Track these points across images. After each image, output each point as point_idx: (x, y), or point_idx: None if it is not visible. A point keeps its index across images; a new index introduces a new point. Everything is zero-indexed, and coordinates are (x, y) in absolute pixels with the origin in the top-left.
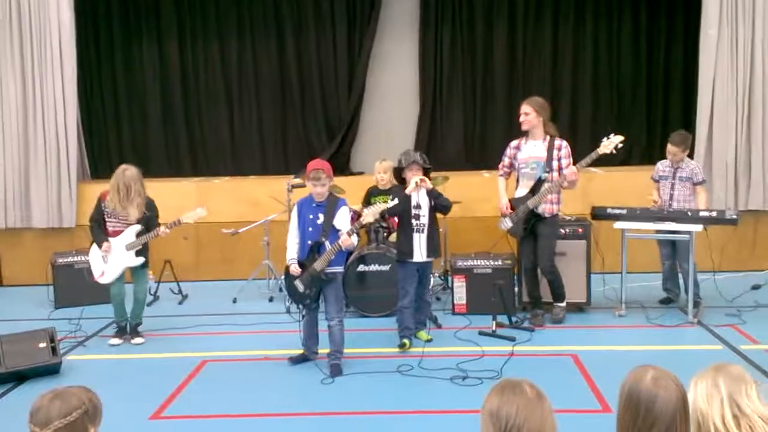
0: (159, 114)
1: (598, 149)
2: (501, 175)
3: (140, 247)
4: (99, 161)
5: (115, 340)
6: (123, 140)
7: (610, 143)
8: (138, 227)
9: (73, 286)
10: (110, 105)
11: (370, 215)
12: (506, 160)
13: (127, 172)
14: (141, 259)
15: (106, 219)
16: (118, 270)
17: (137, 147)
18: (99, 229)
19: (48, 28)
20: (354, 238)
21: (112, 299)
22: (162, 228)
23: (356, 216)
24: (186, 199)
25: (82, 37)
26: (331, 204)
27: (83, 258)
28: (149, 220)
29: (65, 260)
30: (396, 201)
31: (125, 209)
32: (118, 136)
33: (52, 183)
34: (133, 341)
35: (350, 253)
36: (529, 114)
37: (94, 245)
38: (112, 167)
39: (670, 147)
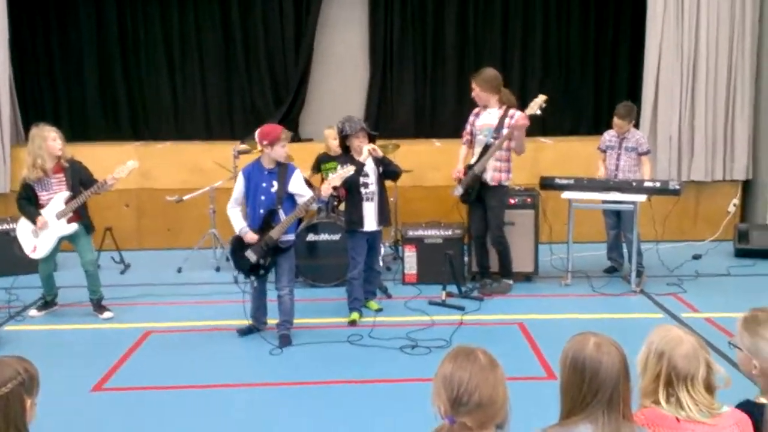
0: (96, 75)
1: (525, 110)
2: (464, 143)
3: (71, 213)
4: (34, 124)
5: (34, 312)
6: (59, 103)
7: (535, 104)
8: (66, 194)
9: (9, 255)
10: (44, 66)
11: (337, 179)
12: (468, 128)
13: (46, 125)
14: (73, 226)
15: (38, 193)
16: (51, 242)
17: (74, 109)
18: (29, 204)
19: None
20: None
21: (39, 274)
22: (94, 187)
23: (308, 184)
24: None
25: None
26: (283, 170)
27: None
28: (81, 183)
29: (0, 227)
30: (353, 169)
31: (45, 171)
32: (53, 98)
33: None
34: (101, 316)
35: (300, 222)
36: (474, 89)
37: (21, 220)
38: None
39: (616, 120)
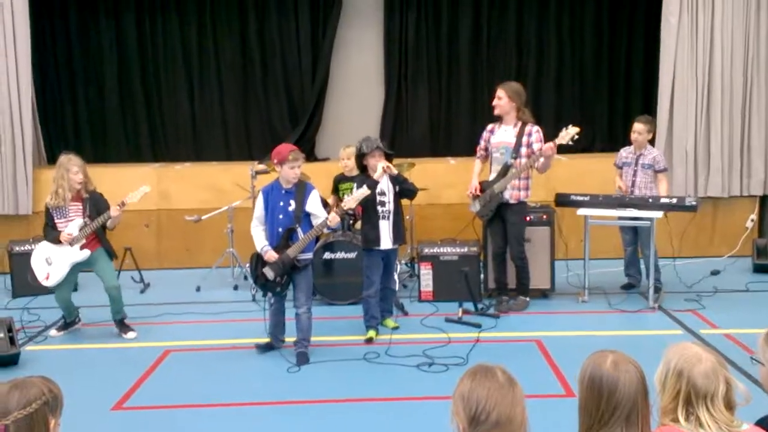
0: (117, 98)
1: (555, 140)
2: (477, 158)
3: (83, 240)
4: (56, 147)
5: (54, 332)
6: (80, 125)
7: (567, 134)
8: (80, 222)
9: (31, 275)
10: (66, 90)
11: (352, 201)
12: (482, 144)
13: (74, 157)
14: (86, 253)
15: (55, 220)
16: (64, 269)
17: (95, 132)
18: (51, 229)
19: (0, 7)
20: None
21: (57, 302)
22: (107, 213)
23: (324, 204)
24: (146, 185)
25: (36, 17)
26: (301, 189)
27: None
28: (98, 214)
29: (22, 248)
30: (368, 191)
31: (65, 200)
32: (74, 121)
33: (7, 169)
34: (125, 336)
35: (316, 241)
36: (502, 99)
37: (37, 249)
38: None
39: (636, 125)
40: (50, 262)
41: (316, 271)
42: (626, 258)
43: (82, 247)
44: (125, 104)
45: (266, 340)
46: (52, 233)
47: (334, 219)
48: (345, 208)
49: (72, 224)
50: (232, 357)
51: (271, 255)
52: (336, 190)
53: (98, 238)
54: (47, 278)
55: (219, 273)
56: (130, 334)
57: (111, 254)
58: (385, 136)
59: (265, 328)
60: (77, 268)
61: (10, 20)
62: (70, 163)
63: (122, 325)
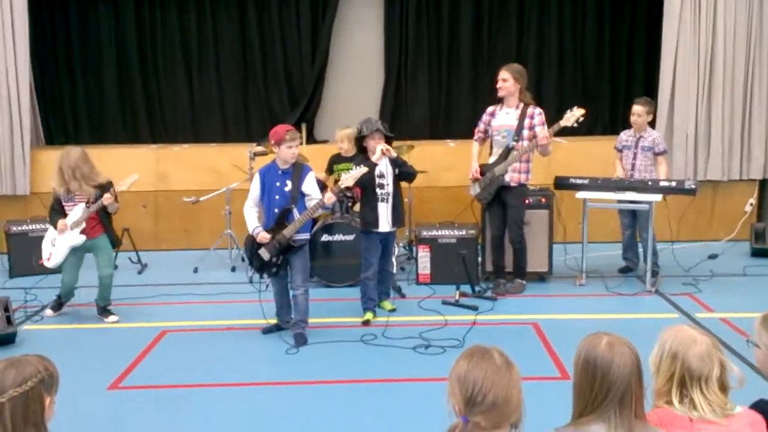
0: (115, 78)
1: (560, 121)
2: (475, 140)
3: (83, 224)
4: (54, 127)
5: (49, 312)
6: (78, 106)
7: (572, 116)
8: (83, 206)
9: (28, 255)
10: (64, 70)
11: (350, 179)
12: (481, 126)
13: (72, 153)
14: (82, 237)
15: (63, 203)
16: (62, 252)
17: (93, 113)
18: (56, 213)
19: None
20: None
21: (62, 285)
22: (100, 200)
23: (321, 185)
24: (144, 166)
25: None
26: (298, 170)
27: (38, 226)
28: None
29: (20, 228)
30: (366, 169)
31: (79, 188)
32: (73, 102)
33: (5, 149)
34: (106, 320)
35: (314, 222)
36: (507, 80)
37: (49, 231)
38: (67, 133)
39: (635, 108)
40: (54, 244)
41: (314, 253)
42: (624, 241)
43: (81, 232)
44: (123, 85)
45: (265, 321)
46: (55, 217)
47: (330, 198)
48: (342, 186)
49: (76, 208)
50: (230, 338)
51: (262, 236)
52: (331, 170)
53: (103, 224)
54: (48, 259)
55: (217, 254)
56: (111, 318)
57: (114, 242)
58: (385, 118)
59: (261, 309)
60: (79, 252)
61: (8, 0)
62: (65, 163)
63: (104, 310)
